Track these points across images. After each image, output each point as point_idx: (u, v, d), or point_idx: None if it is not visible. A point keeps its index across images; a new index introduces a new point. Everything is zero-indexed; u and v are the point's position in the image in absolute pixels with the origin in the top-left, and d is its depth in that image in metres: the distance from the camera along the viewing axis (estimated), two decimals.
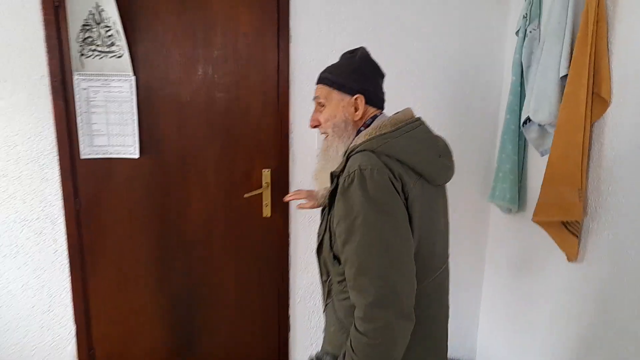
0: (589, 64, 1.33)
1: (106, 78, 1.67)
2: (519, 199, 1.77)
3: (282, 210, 1.91)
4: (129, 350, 1.93)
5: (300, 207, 1.49)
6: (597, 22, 1.33)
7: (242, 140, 1.84)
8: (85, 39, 1.63)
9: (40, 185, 1.71)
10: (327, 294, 1.16)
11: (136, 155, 1.75)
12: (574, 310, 1.54)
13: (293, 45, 1.77)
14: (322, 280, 1.19)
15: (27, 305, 1.80)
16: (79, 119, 1.68)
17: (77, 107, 1.66)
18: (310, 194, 1.52)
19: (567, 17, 1.43)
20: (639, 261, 1.26)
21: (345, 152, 1.07)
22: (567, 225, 1.47)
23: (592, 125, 1.39)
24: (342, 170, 1.01)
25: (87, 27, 1.62)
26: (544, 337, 1.70)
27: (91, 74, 1.66)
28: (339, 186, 0.99)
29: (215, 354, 2.01)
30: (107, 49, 1.65)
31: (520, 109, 1.69)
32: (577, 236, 1.45)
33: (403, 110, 1.11)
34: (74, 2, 1.59)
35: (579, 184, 1.39)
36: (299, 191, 1.57)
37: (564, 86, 1.41)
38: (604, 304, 1.41)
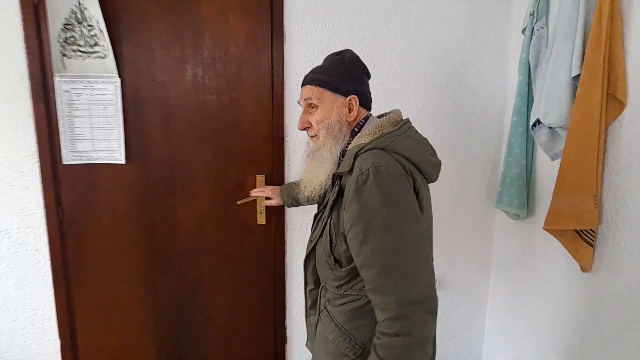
0: (603, 63, 1.28)
1: (89, 80, 1.59)
2: (527, 205, 1.69)
3: (277, 217, 1.84)
4: None
5: (267, 203, 1.63)
6: (611, 19, 1.28)
7: (235, 145, 1.76)
8: (66, 38, 1.54)
9: (21, 193, 1.63)
10: (312, 304, 1.16)
11: (122, 161, 1.67)
12: (587, 323, 1.47)
13: (287, 45, 1.71)
14: (306, 290, 1.18)
15: (9, 319, 1.73)
16: (60, 123, 1.60)
17: (58, 111, 1.59)
18: (274, 191, 1.63)
19: (578, 14, 1.37)
20: None
21: (345, 152, 1.07)
22: (581, 234, 1.39)
23: (606, 128, 1.33)
24: (350, 171, 0.98)
25: (69, 27, 1.54)
26: (553, 350, 1.63)
27: (74, 76, 1.58)
28: (352, 185, 0.95)
29: None
30: (90, 49, 1.56)
31: (528, 111, 1.63)
32: (592, 245, 1.38)
33: (393, 111, 1.12)
34: (54, 0, 1.50)
35: (594, 190, 1.32)
36: (263, 188, 1.67)
37: (576, 87, 1.35)
38: (620, 318, 1.34)
